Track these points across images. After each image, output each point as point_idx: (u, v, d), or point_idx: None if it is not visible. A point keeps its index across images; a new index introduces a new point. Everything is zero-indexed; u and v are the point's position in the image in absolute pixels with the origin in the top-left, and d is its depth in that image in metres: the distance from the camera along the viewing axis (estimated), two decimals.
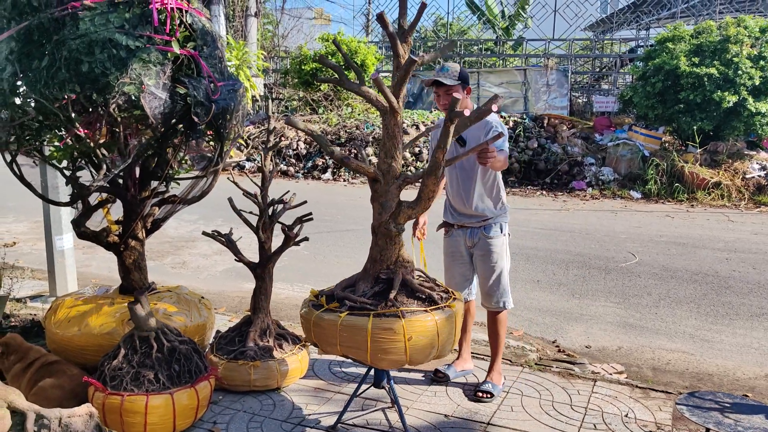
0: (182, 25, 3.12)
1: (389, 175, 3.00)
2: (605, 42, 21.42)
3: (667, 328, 5.17)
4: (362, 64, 16.68)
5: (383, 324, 2.83)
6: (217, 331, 3.90)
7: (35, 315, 4.73)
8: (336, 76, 2.97)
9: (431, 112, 16.15)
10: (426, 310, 2.92)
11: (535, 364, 4.20)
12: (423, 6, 2.85)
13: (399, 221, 3.03)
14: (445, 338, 2.96)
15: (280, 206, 3.76)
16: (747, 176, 11.57)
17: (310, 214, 3.69)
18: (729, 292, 6.01)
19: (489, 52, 20.35)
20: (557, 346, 4.77)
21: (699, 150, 11.94)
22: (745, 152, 12.22)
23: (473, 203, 3.65)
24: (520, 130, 13.79)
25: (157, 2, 2.99)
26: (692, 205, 10.97)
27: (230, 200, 3.70)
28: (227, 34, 16.91)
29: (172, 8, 3.04)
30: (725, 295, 5.93)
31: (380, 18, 2.85)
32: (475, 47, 20.94)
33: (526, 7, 20.79)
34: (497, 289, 3.71)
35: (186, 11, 3.13)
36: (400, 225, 3.05)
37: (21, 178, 3.56)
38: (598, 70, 19.42)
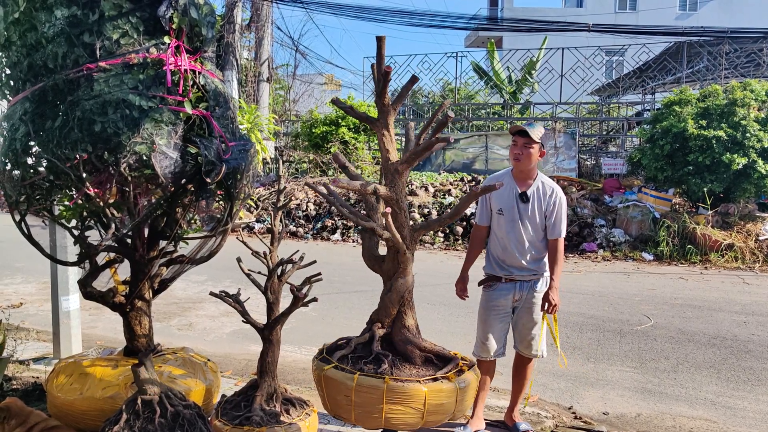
0: (195, 86, 3.15)
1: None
2: (612, 105, 21.69)
3: (687, 394, 5.00)
4: None
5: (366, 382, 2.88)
6: (223, 395, 3.78)
7: (37, 378, 4.63)
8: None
9: (440, 174, 16.27)
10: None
11: (551, 431, 4.05)
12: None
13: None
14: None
15: (289, 266, 3.71)
16: (760, 238, 11.45)
17: (319, 274, 3.63)
18: (749, 357, 5.84)
19: (496, 116, 20.61)
20: (573, 413, 4.60)
21: (710, 212, 11.86)
22: (757, 214, 12.13)
23: (530, 257, 3.85)
24: None
25: (171, 64, 3.02)
26: (706, 267, 10.83)
27: (239, 260, 3.65)
28: (240, 98, 17.25)
29: (185, 70, 3.08)
30: (745, 360, 5.75)
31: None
32: (483, 111, 21.25)
33: (533, 72, 21.18)
34: (539, 338, 3.96)
35: (199, 72, 3.17)
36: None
37: (29, 237, 3.54)
38: (605, 132, 19.58)
